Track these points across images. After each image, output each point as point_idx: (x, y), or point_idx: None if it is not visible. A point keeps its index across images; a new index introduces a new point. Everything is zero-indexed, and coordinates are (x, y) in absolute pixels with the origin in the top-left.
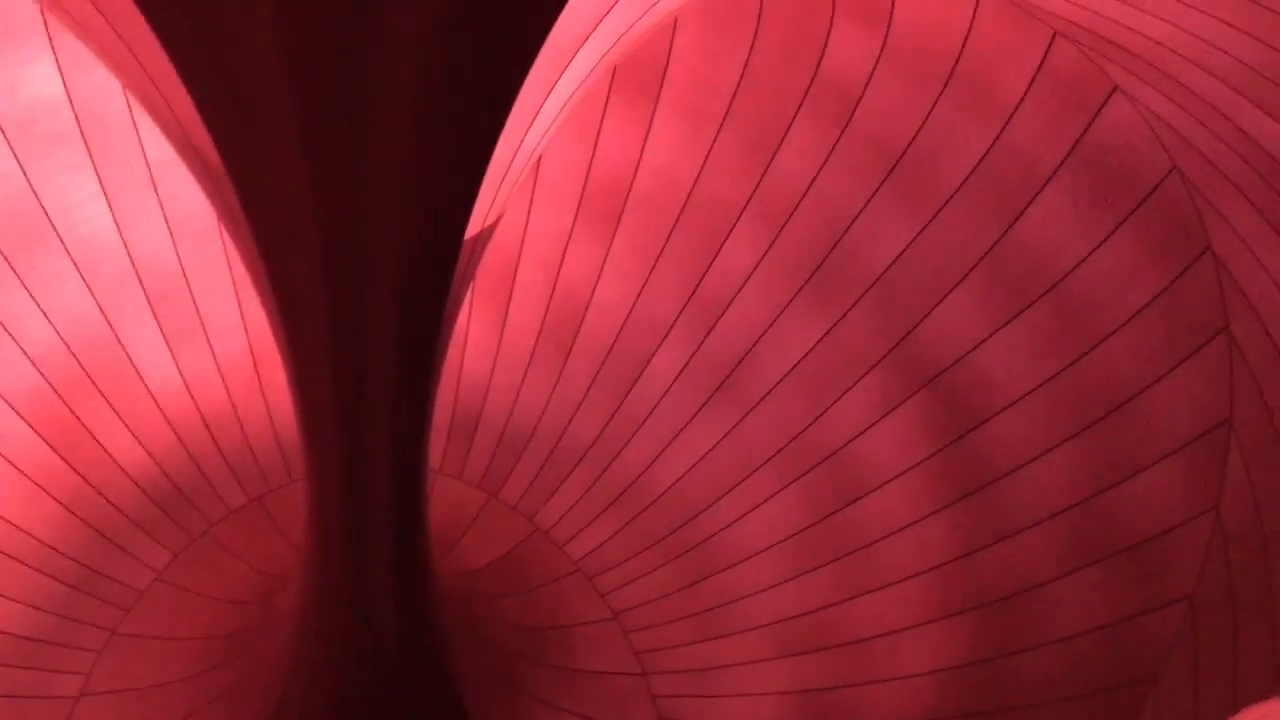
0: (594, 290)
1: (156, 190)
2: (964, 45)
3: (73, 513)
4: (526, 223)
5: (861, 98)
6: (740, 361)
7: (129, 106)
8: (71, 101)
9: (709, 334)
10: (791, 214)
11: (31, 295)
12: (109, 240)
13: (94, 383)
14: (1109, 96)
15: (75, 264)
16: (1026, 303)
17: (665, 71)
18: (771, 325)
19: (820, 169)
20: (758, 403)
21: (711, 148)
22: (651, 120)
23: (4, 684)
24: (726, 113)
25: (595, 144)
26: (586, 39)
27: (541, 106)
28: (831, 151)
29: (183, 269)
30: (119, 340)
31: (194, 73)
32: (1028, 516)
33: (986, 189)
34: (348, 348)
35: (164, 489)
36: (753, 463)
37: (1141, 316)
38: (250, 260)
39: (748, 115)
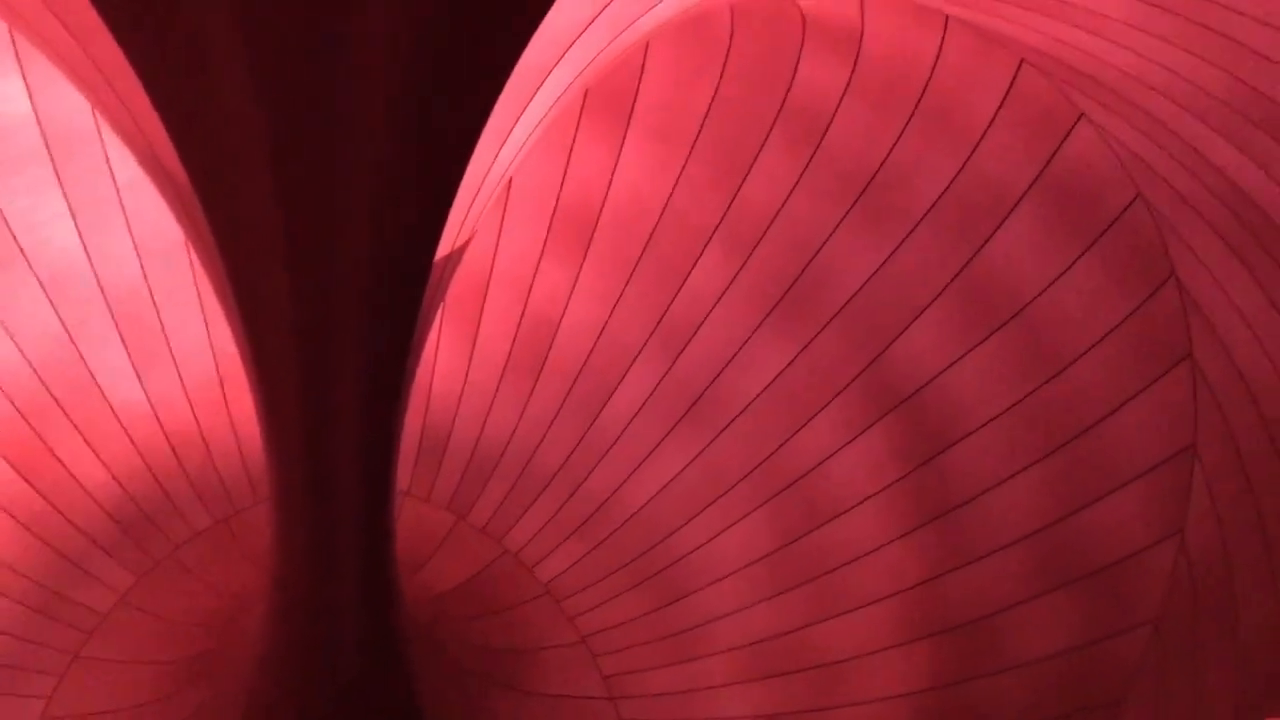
0: (564, 312)
1: (124, 211)
2: (932, 72)
3: (35, 534)
4: (497, 244)
5: (831, 123)
6: (710, 384)
7: (97, 127)
8: (39, 121)
9: (679, 357)
10: (761, 238)
11: None
12: (75, 260)
13: (58, 403)
14: (1075, 124)
15: (41, 284)
16: (994, 327)
17: (637, 95)
18: (741, 348)
19: (790, 193)
20: (727, 426)
21: (682, 171)
22: (623, 144)
23: None
24: (697, 137)
25: (566, 166)
26: (559, 62)
27: (513, 128)
28: (801, 176)
29: (150, 290)
30: (84, 360)
31: (162, 93)
32: (995, 541)
33: (954, 214)
34: (315, 369)
35: (128, 511)
36: (722, 486)
37: (1107, 342)
38: (218, 281)
39: (719, 140)
